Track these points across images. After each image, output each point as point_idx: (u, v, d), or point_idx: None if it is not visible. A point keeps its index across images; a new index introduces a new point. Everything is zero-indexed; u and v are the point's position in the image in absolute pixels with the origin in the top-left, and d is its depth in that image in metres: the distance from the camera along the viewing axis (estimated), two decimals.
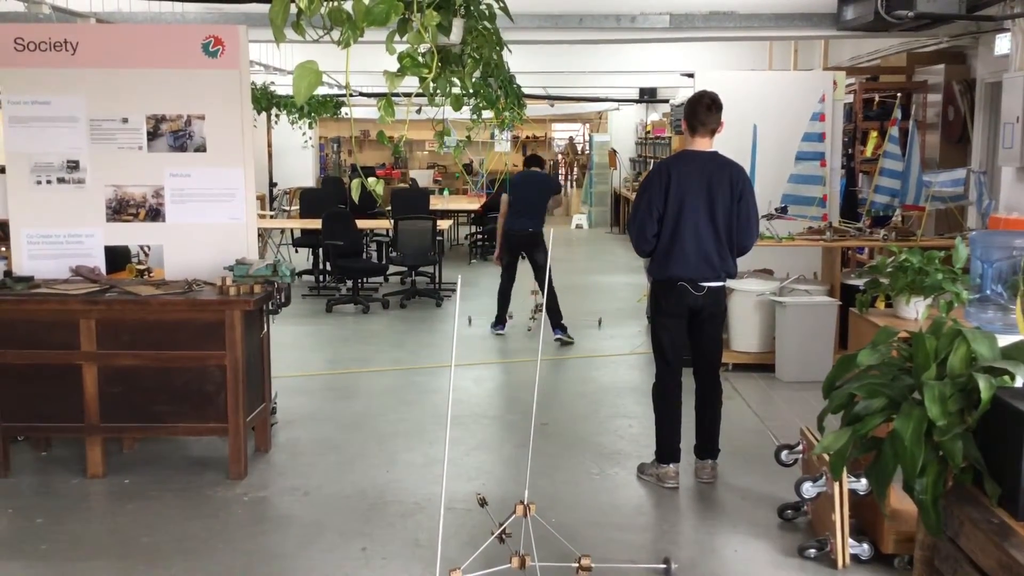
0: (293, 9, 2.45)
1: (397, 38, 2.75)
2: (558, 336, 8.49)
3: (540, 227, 8.95)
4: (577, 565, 3.74)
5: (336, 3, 2.41)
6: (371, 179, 2.51)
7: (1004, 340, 3.08)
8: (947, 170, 7.46)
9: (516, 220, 8.88)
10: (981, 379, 2.73)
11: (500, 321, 8.98)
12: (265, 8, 2.44)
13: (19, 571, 4.01)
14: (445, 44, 3.19)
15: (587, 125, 25.42)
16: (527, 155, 9.56)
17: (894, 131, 7.70)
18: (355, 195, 2.61)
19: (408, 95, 2.98)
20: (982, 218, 6.55)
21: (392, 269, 11.25)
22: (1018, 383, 2.82)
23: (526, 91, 10.91)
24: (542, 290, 8.68)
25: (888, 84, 9.00)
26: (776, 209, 7.48)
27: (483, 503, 4.22)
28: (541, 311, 6.40)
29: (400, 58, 2.61)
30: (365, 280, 11.16)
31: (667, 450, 4.98)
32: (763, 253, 7.59)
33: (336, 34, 2.51)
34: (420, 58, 2.82)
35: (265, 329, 5.44)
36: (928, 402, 2.79)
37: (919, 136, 7.84)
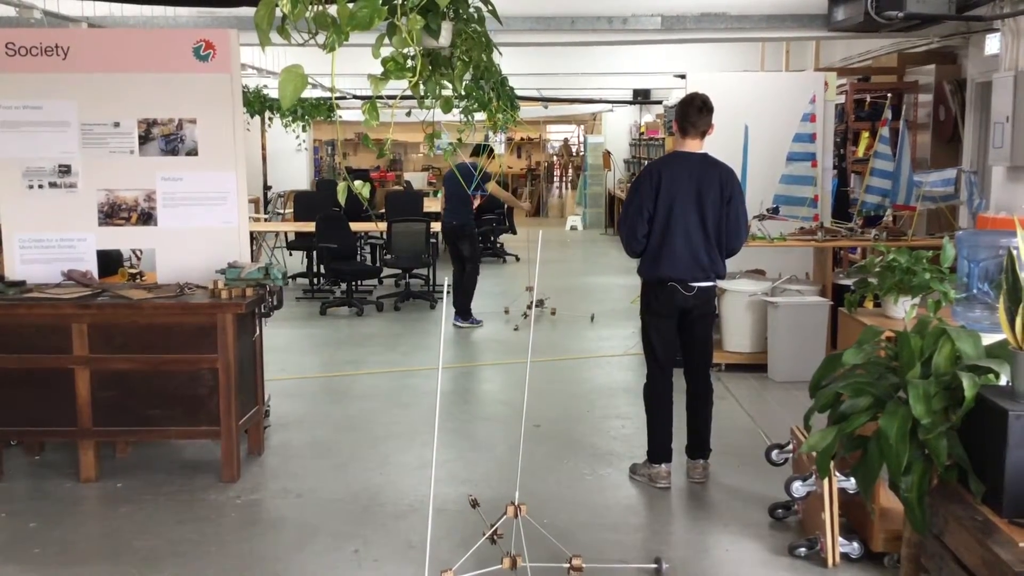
0: (279, 13, 2.46)
1: (386, 41, 2.77)
2: (456, 323, 9.18)
3: (463, 219, 9.21)
4: (568, 565, 3.76)
5: (321, 7, 2.42)
6: (357, 182, 2.52)
7: (990, 339, 3.10)
8: (938, 170, 7.49)
9: (444, 213, 9.27)
10: (965, 377, 2.75)
11: (459, 314, 9.29)
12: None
13: (12, 575, 4.02)
14: (434, 47, 3.20)
15: (581, 127, 25.46)
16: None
17: (885, 131, 7.72)
18: (341, 198, 2.62)
19: (393, 98, 3.00)
20: (973, 217, 6.57)
21: (386, 272, 11.26)
22: (1002, 381, 2.84)
23: (520, 93, 10.90)
24: (458, 280, 9.09)
25: (879, 84, 9.03)
26: (768, 209, 7.51)
27: (475, 504, 4.23)
28: (532, 308, 6.42)
29: (383, 62, 2.63)
30: (359, 283, 11.17)
31: (659, 450, 5.00)
32: (755, 253, 7.63)
33: (322, 38, 2.52)
34: (408, 62, 2.84)
35: (257, 332, 5.45)
36: (913, 401, 2.81)
37: (910, 136, 7.87)
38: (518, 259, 14.73)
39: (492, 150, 9.65)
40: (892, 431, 2.80)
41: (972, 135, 7.50)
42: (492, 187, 9.45)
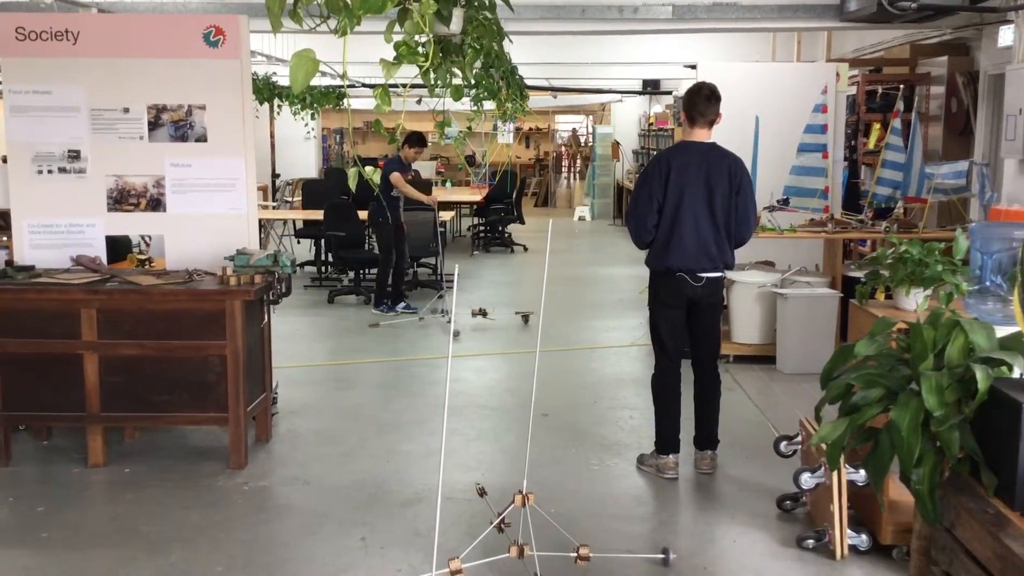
0: None
1: (397, 27, 2.75)
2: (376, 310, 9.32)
3: (373, 209, 9.44)
4: (576, 555, 3.75)
5: None
6: (368, 168, 2.51)
7: (1003, 331, 3.08)
8: (950, 162, 7.43)
9: None
10: (978, 369, 2.73)
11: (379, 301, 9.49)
12: None
13: (20, 559, 4.03)
14: (445, 34, 3.19)
15: (590, 117, 25.40)
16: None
17: (897, 123, 7.68)
18: (352, 184, 2.61)
19: (406, 85, 2.98)
20: (984, 210, 6.54)
21: None
22: (1015, 374, 2.82)
23: (529, 82, 10.91)
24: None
25: (891, 76, 8.98)
26: (778, 201, 7.48)
27: (482, 493, 4.22)
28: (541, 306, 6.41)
29: (397, 47, 2.61)
30: (367, 271, 11.17)
31: (667, 441, 4.99)
32: (765, 245, 7.60)
33: (334, 23, 2.50)
34: (419, 48, 2.82)
35: (266, 319, 5.45)
36: (925, 392, 2.79)
37: (922, 128, 7.82)
38: (526, 249, 14.72)
39: (417, 140, 9.43)
40: (904, 423, 2.78)
41: (984, 127, 7.46)
42: (394, 178, 9.35)
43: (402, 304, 9.41)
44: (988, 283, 3.94)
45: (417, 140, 9.38)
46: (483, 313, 8.84)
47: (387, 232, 9.43)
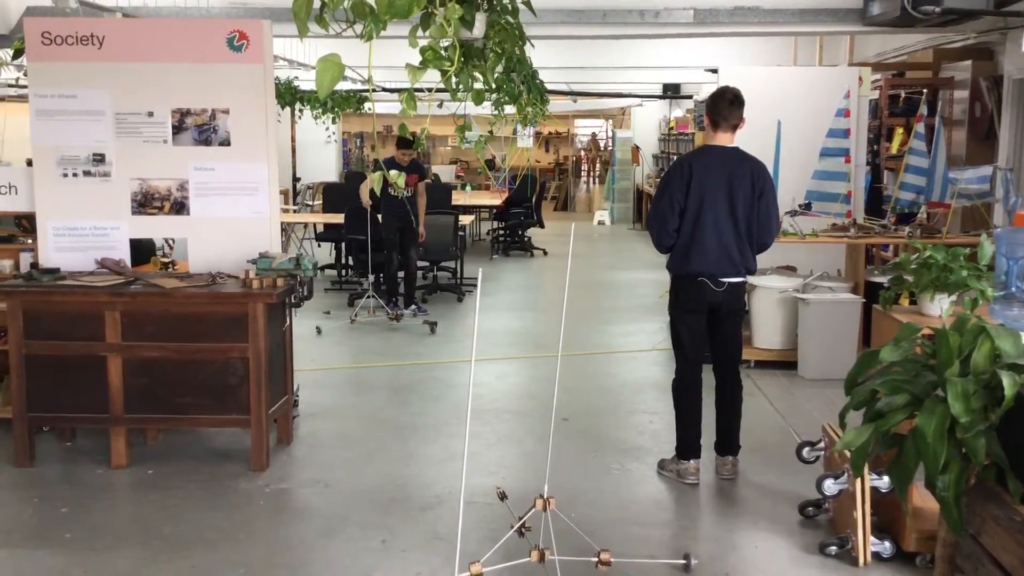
0: (316, 2, 2.46)
1: (420, 32, 2.76)
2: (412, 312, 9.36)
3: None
4: (597, 560, 3.75)
5: None
6: (392, 172, 2.51)
7: None
8: (973, 167, 7.38)
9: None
10: (1005, 376, 2.71)
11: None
12: (289, 2, 2.45)
13: (44, 559, 4.06)
14: (467, 38, 3.19)
15: (610, 121, 25.37)
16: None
17: (920, 127, 7.63)
18: (377, 187, 2.62)
19: (431, 90, 2.99)
20: (1008, 215, 6.48)
21: None
22: None
23: (549, 87, 10.90)
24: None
25: (914, 80, 8.92)
26: (800, 205, 7.44)
27: (503, 497, 4.22)
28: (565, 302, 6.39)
29: (422, 52, 2.62)
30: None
31: (688, 446, 4.98)
32: (787, 250, 7.56)
33: (359, 27, 2.51)
34: (443, 52, 2.83)
35: (287, 322, 5.47)
36: (951, 399, 2.77)
37: (945, 132, 7.77)
38: (545, 253, 14.71)
39: (403, 143, 9.32)
40: (930, 429, 2.76)
41: (1008, 132, 7.40)
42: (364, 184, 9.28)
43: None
44: (1014, 289, 3.91)
45: (403, 143, 9.40)
46: (397, 318, 8.96)
47: (392, 234, 9.48)
